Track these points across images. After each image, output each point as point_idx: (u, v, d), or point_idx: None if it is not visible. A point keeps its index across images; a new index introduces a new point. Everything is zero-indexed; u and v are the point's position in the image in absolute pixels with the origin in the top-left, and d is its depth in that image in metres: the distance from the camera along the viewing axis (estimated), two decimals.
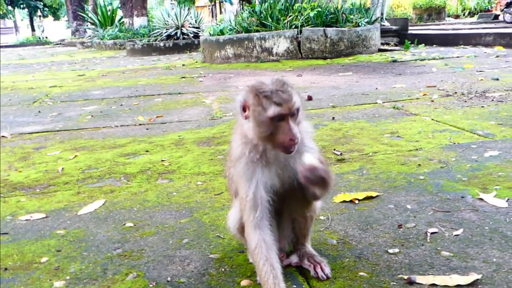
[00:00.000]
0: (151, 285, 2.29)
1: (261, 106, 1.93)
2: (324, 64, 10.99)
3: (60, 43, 37.89)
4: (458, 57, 10.74)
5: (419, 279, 2.20)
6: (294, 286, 2.23)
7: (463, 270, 2.26)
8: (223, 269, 2.41)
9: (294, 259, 2.39)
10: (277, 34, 11.99)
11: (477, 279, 2.16)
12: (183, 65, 13.31)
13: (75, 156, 4.61)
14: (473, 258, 2.36)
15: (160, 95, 8.00)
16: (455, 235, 2.61)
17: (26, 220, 3.16)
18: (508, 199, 3.00)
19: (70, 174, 4.06)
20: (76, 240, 2.83)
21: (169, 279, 2.35)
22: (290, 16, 12.29)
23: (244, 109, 2.01)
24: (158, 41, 19.38)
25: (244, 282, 2.28)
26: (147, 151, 4.63)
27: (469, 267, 2.29)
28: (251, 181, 2.06)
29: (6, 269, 2.53)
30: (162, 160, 4.29)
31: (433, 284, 2.16)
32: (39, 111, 7.13)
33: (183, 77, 10.27)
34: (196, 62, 13.93)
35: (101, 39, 25.69)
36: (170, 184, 3.68)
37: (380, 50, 12.76)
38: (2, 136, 5.58)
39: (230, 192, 2.41)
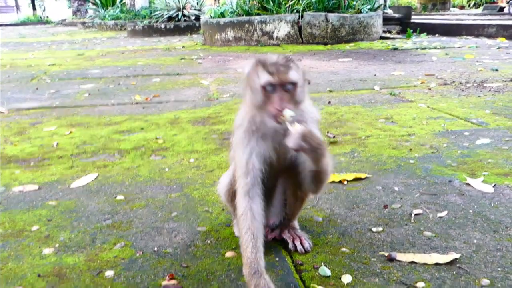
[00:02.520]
0: (137, 254, 2.36)
1: (256, 74, 2.00)
2: (324, 49, 10.99)
3: (61, 23, 37.72)
4: (459, 47, 10.74)
5: (399, 256, 2.26)
6: (277, 259, 2.30)
7: (443, 249, 2.33)
8: (209, 241, 2.48)
9: (277, 232, 2.45)
10: (278, 18, 11.97)
11: (456, 259, 2.22)
12: (183, 47, 13.31)
13: (71, 132, 4.66)
14: (454, 239, 2.42)
15: (158, 76, 8.03)
16: (439, 217, 2.67)
17: (19, 191, 3.22)
18: (494, 185, 3.06)
19: (64, 149, 4.12)
20: (67, 210, 2.89)
21: (155, 249, 2.41)
22: (291, 0, 12.26)
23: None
24: (159, 22, 19.32)
25: (229, 254, 2.34)
26: (142, 128, 4.68)
27: (450, 247, 2.35)
28: (245, 148, 2.13)
29: None
30: (157, 138, 4.34)
31: (413, 262, 2.22)
32: (37, 88, 7.16)
33: (182, 59, 10.28)
34: (196, 44, 13.92)
35: (102, 20, 25.61)
36: (163, 161, 3.73)
37: (381, 38, 12.75)
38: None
39: (230, 160, 2.46)
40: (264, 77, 1.98)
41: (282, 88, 1.98)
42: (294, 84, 2.00)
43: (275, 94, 1.98)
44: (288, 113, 1.95)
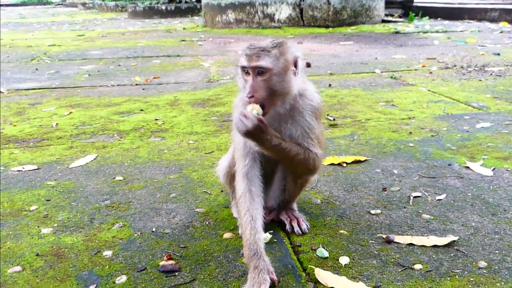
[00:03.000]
0: (136, 234, 2.36)
1: (240, 56, 2.02)
2: (326, 32, 10.91)
3: (62, 4, 37.44)
4: (461, 31, 10.66)
5: (398, 238, 2.26)
6: (275, 240, 2.29)
7: (442, 232, 2.32)
8: (207, 223, 2.47)
9: (275, 213, 2.45)
10: (280, 0, 11.87)
11: (454, 241, 2.22)
12: (184, 28, 13.22)
13: (70, 112, 4.64)
14: (453, 222, 2.42)
15: (158, 57, 7.99)
16: (438, 199, 2.66)
17: (18, 171, 3.22)
18: (494, 168, 3.05)
19: (64, 130, 4.10)
20: (66, 191, 2.89)
21: (154, 229, 2.41)
22: None
23: None
24: (160, 4, 19.18)
25: (227, 235, 2.34)
26: (141, 110, 4.66)
27: (448, 229, 2.35)
28: None
29: None
30: (156, 119, 4.32)
31: (411, 244, 2.22)
32: (37, 69, 7.13)
33: (183, 40, 10.22)
34: (197, 26, 13.83)
35: (103, 1, 25.41)
36: (162, 142, 3.72)
37: (383, 21, 12.66)
38: None
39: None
40: (241, 60, 2.00)
41: (256, 74, 1.97)
42: (266, 70, 1.95)
43: (249, 78, 1.99)
44: (250, 109, 1.92)
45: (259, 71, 1.96)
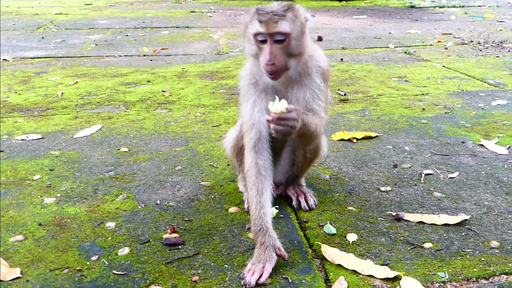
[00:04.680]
0: (139, 206, 2.34)
1: (250, 22, 1.92)
2: (339, 6, 10.74)
3: None
4: (479, 6, 10.45)
5: (407, 216, 2.23)
6: (282, 215, 2.27)
7: (453, 211, 2.29)
8: (212, 196, 2.45)
9: (282, 188, 2.42)
10: None
11: (465, 220, 2.18)
12: None
13: (76, 82, 4.60)
14: (465, 200, 2.38)
15: (167, 28, 7.90)
16: (450, 177, 2.62)
17: (22, 140, 3.20)
18: (509, 147, 2.99)
19: (69, 99, 4.08)
20: (70, 161, 2.87)
21: (158, 202, 2.39)
22: None
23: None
24: None
25: (232, 209, 2.32)
26: (148, 81, 4.62)
27: (460, 208, 2.31)
28: (247, 102, 2.07)
29: None
30: (163, 91, 4.28)
31: (421, 222, 2.19)
32: (43, 37, 7.07)
33: (192, 12, 10.10)
34: None
35: None
36: (169, 114, 3.69)
37: None
38: (4, 60, 5.56)
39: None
40: (255, 27, 1.88)
41: (273, 40, 1.88)
42: (285, 35, 1.88)
43: (265, 46, 1.89)
44: (278, 106, 1.79)
45: (279, 38, 1.88)
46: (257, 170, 2.04)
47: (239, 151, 2.27)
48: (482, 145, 3.02)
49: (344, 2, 11.30)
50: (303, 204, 2.31)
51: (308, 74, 2.04)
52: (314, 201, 2.34)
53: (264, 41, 1.89)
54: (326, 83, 2.12)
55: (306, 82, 2.04)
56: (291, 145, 2.31)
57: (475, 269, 1.86)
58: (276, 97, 1.84)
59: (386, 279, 1.81)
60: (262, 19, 1.86)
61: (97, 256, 1.96)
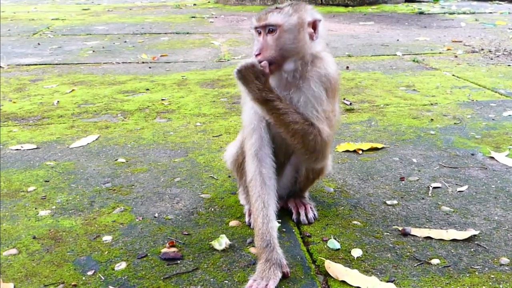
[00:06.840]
0: (137, 219, 2.36)
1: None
2: (345, 11, 10.80)
3: None
4: (490, 13, 10.50)
5: (414, 231, 2.24)
6: (284, 229, 2.28)
7: (462, 225, 2.30)
8: (212, 209, 2.47)
9: (283, 201, 2.42)
10: None
11: (474, 235, 2.19)
12: (195, 4, 13.16)
13: (72, 90, 4.64)
14: (474, 215, 2.39)
15: (167, 34, 7.96)
16: (459, 191, 2.63)
17: (17, 149, 3.23)
18: None
19: (65, 108, 4.11)
20: (66, 172, 2.90)
21: (156, 215, 2.41)
22: None
23: None
24: None
25: (233, 223, 2.33)
26: (147, 89, 4.65)
27: (469, 223, 2.32)
28: (247, 105, 2.11)
29: None
30: (162, 99, 4.31)
31: (428, 237, 2.20)
32: (39, 43, 7.13)
33: (193, 17, 10.17)
34: (209, 2, 13.76)
35: None
36: (168, 124, 3.71)
37: (407, 1, 12.51)
38: None
39: None
40: (252, 21, 2.04)
41: (266, 32, 1.99)
42: (276, 26, 1.97)
43: (259, 38, 2.01)
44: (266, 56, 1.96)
45: (270, 29, 1.98)
46: (262, 180, 2.04)
47: (239, 166, 2.29)
48: (492, 158, 3.04)
49: (351, 8, 11.36)
50: (303, 218, 2.31)
51: (306, 78, 2.05)
52: (314, 214, 2.34)
53: (260, 34, 2.01)
54: (331, 93, 2.08)
55: (303, 87, 2.05)
56: (294, 164, 2.31)
57: (484, 287, 1.86)
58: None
59: None
60: (259, 14, 2.02)
61: (93, 271, 1.97)
